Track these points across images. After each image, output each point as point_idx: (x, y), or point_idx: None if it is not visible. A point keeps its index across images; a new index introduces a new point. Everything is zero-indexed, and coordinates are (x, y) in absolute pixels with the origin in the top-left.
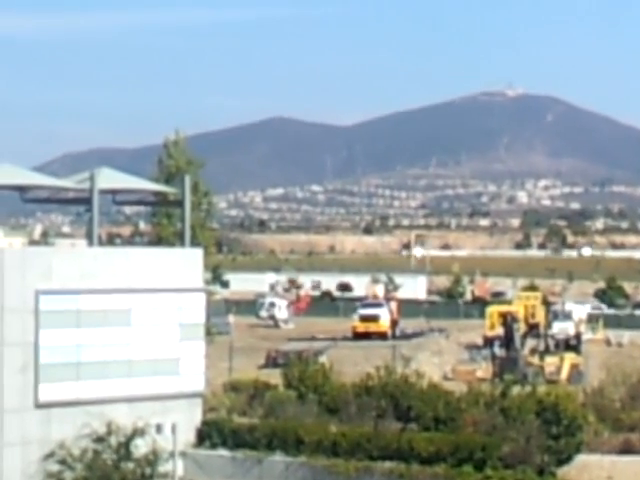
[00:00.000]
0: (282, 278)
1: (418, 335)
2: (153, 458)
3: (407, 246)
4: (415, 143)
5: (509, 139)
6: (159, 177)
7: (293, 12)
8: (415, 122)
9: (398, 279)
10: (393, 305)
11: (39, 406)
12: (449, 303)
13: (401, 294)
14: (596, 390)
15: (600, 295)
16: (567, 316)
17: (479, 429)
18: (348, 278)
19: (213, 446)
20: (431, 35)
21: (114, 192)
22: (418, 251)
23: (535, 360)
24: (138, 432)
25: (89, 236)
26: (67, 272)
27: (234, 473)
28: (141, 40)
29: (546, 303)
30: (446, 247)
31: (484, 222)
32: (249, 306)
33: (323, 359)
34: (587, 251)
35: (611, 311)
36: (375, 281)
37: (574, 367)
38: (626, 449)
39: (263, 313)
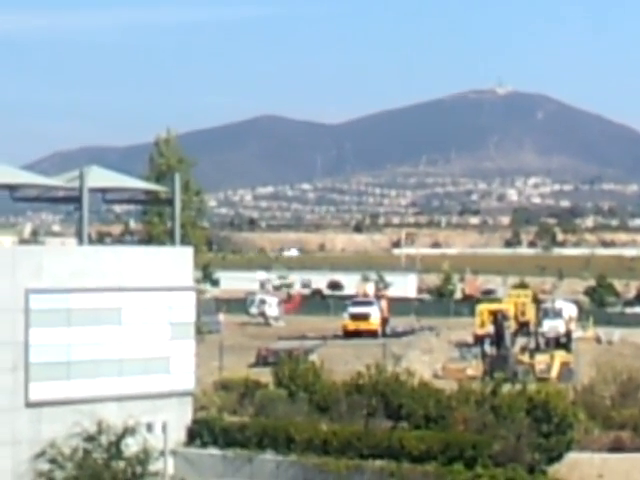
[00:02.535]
0: (272, 276)
1: (408, 333)
2: (144, 457)
3: (397, 244)
4: (405, 141)
5: (499, 137)
6: (150, 175)
7: (282, 11)
8: (405, 120)
9: (388, 277)
10: (383, 303)
11: (29, 405)
12: (439, 301)
13: (391, 292)
14: (586, 388)
15: (590, 293)
16: (557, 314)
17: (469, 427)
18: (338, 276)
19: (204, 445)
20: (421, 33)
21: (104, 191)
22: (402, 250)
23: (525, 358)
24: (129, 431)
25: (79, 235)
26: (57, 271)
27: (225, 472)
28: (132, 39)
29: (536, 301)
30: (436, 245)
31: (474, 220)
32: (239, 304)
33: (313, 357)
34: None
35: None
36: (365, 279)
37: (564, 365)
38: (616, 447)
39: (253, 310)
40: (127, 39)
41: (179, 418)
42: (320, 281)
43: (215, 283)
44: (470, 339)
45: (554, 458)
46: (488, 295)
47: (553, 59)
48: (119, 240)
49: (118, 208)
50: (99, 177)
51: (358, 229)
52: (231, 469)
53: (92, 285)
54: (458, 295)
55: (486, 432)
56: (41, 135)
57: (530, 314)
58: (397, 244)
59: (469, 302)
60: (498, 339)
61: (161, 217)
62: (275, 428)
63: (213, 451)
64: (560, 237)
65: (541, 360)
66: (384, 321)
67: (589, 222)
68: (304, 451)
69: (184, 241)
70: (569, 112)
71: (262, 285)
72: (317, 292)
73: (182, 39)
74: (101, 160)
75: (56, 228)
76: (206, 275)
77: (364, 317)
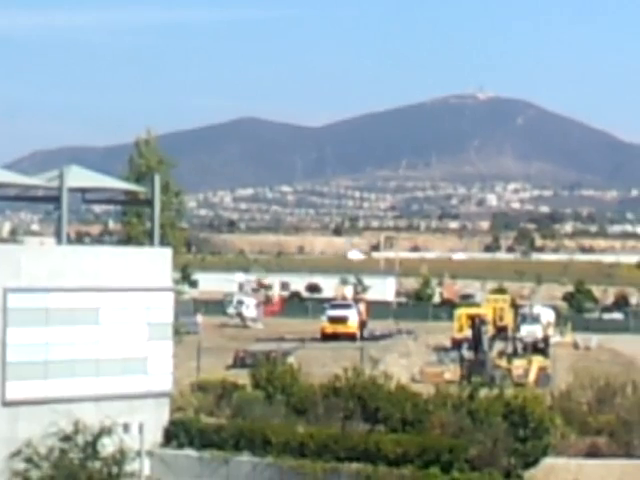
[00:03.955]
0: (251, 278)
1: (386, 337)
2: (120, 457)
3: (376, 247)
4: (385, 145)
5: (479, 142)
6: (130, 176)
7: (264, 13)
8: (385, 124)
9: (367, 280)
10: (362, 306)
11: (6, 404)
12: (418, 305)
13: (370, 295)
14: (563, 393)
15: (569, 298)
16: (535, 319)
17: (446, 431)
18: (317, 279)
19: (180, 446)
20: (402, 37)
21: (83, 190)
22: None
23: (503, 363)
24: (105, 431)
25: (58, 234)
26: (36, 270)
27: (201, 473)
28: (113, 39)
29: (514, 306)
30: (415, 249)
31: (453, 224)
32: (217, 306)
33: (291, 360)
34: None
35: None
36: (344, 282)
37: (542, 370)
38: (593, 452)
39: (231, 310)
40: (109, 39)
41: (156, 419)
42: (299, 283)
43: (194, 284)
44: (448, 343)
45: (530, 463)
46: (466, 299)
47: (534, 65)
48: (98, 240)
49: (97, 208)
50: (79, 177)
51: (337, 232)
52: (207, 470)
53: (70, 285)
54: (437, 299)
55: (463, 436)
56: (21, 134)
57: (508, 319)
58: (376, 247)
59: (447, 306)
60: (476, 343)
61: (140, 218)
62: (252, 430)
63: (189, 452)
64: (539, 242)
65: (518, 365)
66: (362, 324)
67: (568, 228)
68: (281, 453)
69: (163, 242)
70: (549, 118)
71: (241, 287)
72: (295, 294)
73: (164, 40)
74: (81, 160)
75: (35, 227)
76: (185, 276)
77: (342, 320)
